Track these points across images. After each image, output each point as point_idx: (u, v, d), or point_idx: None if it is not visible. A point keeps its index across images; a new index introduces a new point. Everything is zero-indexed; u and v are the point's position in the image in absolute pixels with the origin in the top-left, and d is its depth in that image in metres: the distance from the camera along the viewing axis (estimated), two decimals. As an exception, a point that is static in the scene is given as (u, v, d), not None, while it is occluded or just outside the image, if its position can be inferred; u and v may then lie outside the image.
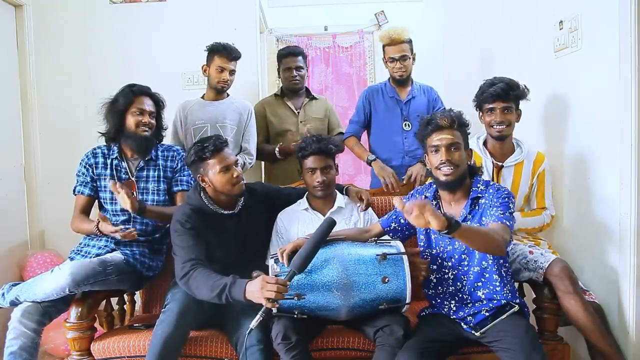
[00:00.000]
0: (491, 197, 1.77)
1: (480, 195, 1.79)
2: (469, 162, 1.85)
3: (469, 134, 1.87)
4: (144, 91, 2.20)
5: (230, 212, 2.01)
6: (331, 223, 1.75)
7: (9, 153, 2.92)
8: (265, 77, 3.95)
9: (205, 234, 1.94)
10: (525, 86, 2.17)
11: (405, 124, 2.74)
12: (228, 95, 2.76)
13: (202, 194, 1.99)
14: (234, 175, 1.95)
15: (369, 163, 2.66)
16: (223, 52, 2.61)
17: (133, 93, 2.16)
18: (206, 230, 1.95)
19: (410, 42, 2.70)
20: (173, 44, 3.13)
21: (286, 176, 2.73)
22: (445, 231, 1.46)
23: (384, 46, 2.72)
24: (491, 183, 1.83)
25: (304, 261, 1.68)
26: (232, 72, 2.67)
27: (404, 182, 2.56)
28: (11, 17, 2.98)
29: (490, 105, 2.14)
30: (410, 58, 2.70)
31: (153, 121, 2.20)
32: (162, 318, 1.80)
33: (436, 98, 2.82)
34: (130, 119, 2.14)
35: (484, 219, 1.76)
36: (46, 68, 3.09)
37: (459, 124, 1.80)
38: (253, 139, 2.78)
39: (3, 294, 1.96)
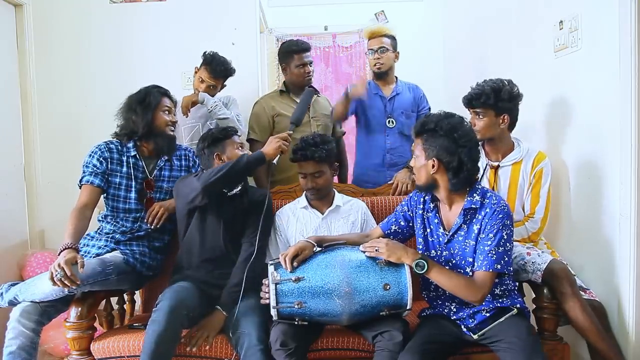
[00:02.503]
0: (487, 220, 1.71)
1: (475, 206, 1.74)
2: (444, 174, 1.74)
3: (452, 142, 1.70)
4: (166, 92, 2.26)
5: (227, 192, 2.10)
6: (310, 92, 2.20)
7: (9, 153, 2.92)
8: (265, 76, 3.95)
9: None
10: (509, 90, 2.09)
11: (389, 121, 2.72)
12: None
13: None
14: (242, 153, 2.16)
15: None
16: (208, 67, 2.64)
17: (160, 93, 2.21)
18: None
19: (392, 38, 2.73)
20: (173, 43, 3.13)
21: (285, 164, 2.74)
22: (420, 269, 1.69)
23: (367, 41, 2.77)
24: (488, 194, 1.76)
25: (300, 114, 2.20)
26: (211, 87, 2.67)
27: (384, 189, 2.54)
28: (11, 17, 2.97)
29: (467, 110, 2.19)
30: (389, 51, 2.71)
31: (176, 120, 2.27)
32: (153, 317, 1.80)
33: (422, 97, 2.83)
34: (160, 118, 2.18)
35: (470, 242, 1.74)
36: (46, 68, 3.08)
37: (419, 131, 1.77)
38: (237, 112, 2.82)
39: (1, 294, 1.95)
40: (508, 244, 1.70)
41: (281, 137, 2.07)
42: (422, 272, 1.69)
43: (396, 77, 2.84)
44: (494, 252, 1.67)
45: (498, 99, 2.08)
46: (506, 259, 1.69)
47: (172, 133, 2.22)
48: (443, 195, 1.79)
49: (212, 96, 2.69)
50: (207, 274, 2.03)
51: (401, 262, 1.72)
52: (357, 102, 2.75)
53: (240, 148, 2.15)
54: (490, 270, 1.66)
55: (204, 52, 2.67)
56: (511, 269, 1.75)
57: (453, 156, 1.70)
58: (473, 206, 1.74)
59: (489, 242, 1.69)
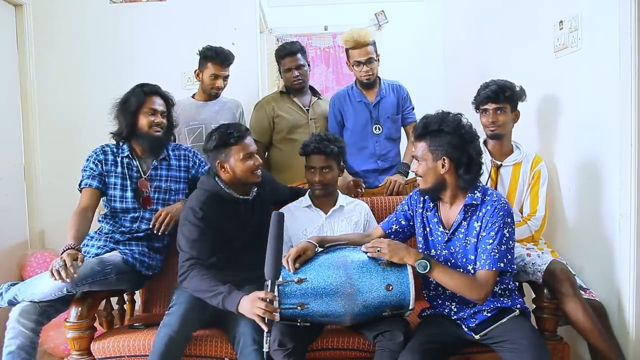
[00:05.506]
0: (488, 217, 1.71)
1: (475, 202, 1.74)
2: (453, 171, 1.73)
3: (459, 138, 1.72)
4: (155, 90, 2.20)
5: (245, 197, 2.03)
6: (280, 218, 1.74)
7: (9, 153, 2.92)
8: (265, 77, 3.95)
9: (217, 220, 1.95)
10: (521, 88, 2.19)
11: (376, 128, 2.69)
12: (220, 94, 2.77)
13: (216, 179, 2.00)
14: (255, 164, 1.98)
15: None
16: (216, 60, 2.60)
17: (144, 93, 2.16)
18: (220, 215, 1.96)
19: (374, 43, 2.64)
20: (173, 43, 3.14)
21: (284, 165, 2.76)
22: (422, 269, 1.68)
23: (347, 49, 2.66)
24: (489, 192, 1.77)
25: (275, 266, 1.68)
26: (225, 78, 2.67)
27: (383, 189, 2.53)
28: (11, 17, 2.98)
29: (484, 107, 2.19)
30: (376, 60, 2.64)
31: (164, 120, 2.20)
32: (165, 320, 1.80)
33: (405, 97, 2.76)
34: (143, 119, 2.14)
35: (471, 239, 1.74)
36: (46, 68, 3.09)
37: (422, 133, 1.75)
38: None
39: (1, 294, 1.95)
40: (510, 242, 1.70)
41: (260, 305, 1.64)
42: (425, 272, 1.68)
43: (379, 78, 2.75)
44: (496, 251, 1.67)
45: (518, 94, 2.17)
46: (509, 257, 1.69)
47: (157, 134, 2.16)
48: (448, 195, 1.78)
49: (225, 86, 2.69)
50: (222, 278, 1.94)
51: (403, 263, 1.72)
52: (341, 111, 2.72)
53: (249, 157, 1.96)
54: (494, 269, 1.66)
55: (201, 52, 2.64)
56: (514, 267, 1.75)
57: (463, 152, 1.71)
58: (474, 202, 1.74)
59: (491, 241, 1.68)
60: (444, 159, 1.72)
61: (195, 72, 2.70)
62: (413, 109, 2.77)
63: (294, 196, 2.25)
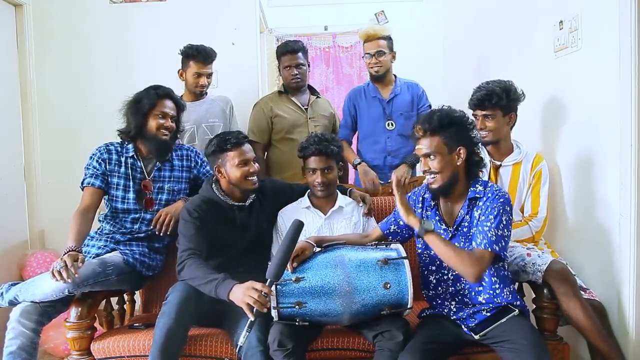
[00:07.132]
0: (488, 203, 1.72)
1: (478, 195, 1.75)
2: (464, 162, 1.76)
3: (467, 129, 1.78)
4: (168, 94, 2.20)
5: (241, 204, 2.05)
6: (299, 226, 1.74)
7: (9, 153, 2.93)
8: (265, 76, 3.95)
9: (212, 224, 1.99)
10: (515, 90, 2.15)
11: (388, 124, 2.73)
12: (206, 92, 2.75)
13: (214, 186, 2.05)
14: (250, 171, 2.02)
15: (355, 166, 2.70)
16: (198, 58, 2.60)
17: (157, 95, 2.16)
18: (214, 220, 2.00)
19: (388, 39, 2.72)
20: (173, 43, 3.10)
21: (284, 165, 2.76)
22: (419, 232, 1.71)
23: (363, 44, 2.76)
24: (489, 184, 1.79)
25: (279, 269, 1.68)
26: (209, 76, 2.66)
27: (392, 184, 2.55)
28: (11, 17, 2.98)
29: (474, 112, 2.17)
30: (386, 54, 2.70)
31: (173, 125, 2.20)
32: (163, 310, 1.80)
33: (421, 95, 2.80)
34: (152, 121, 2.14)
35: (473, 229, 1.74)
36: (46, 68, 3.09)
37: (437, 127, 1.74)
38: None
39: (2, 294, 1.95)
40: (506, 230, 1.70)
41: (253, 295, 1.64)
42: (430, 229, 1.70)
43: (395, 76, 2.82)
44: (493, 233, 1.67)
45: (509, 99, 2.12)
46: (503, 243, 1.69)
47: (164, 138, 2.16)
48: (457, 190, 1.79)
49: (209, 84, 2.69)
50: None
51: (410, 214, 1.75)
52: (355, 105, 2.79)
53: (245, 164, 2.00)
54: (489, 249, 1.66)
55: (182, 51, 2.64)
56: (507, 254, 1.76)
57: (471, 140, 1.76)
58: (477, 195, 1.76)
59: (489, 223, 1.69)
60: (459, 150, 1.74)
61: (178, 72, 2.69)
62: (430, 106, 2.77)
63: (301, 194, 2.24)
